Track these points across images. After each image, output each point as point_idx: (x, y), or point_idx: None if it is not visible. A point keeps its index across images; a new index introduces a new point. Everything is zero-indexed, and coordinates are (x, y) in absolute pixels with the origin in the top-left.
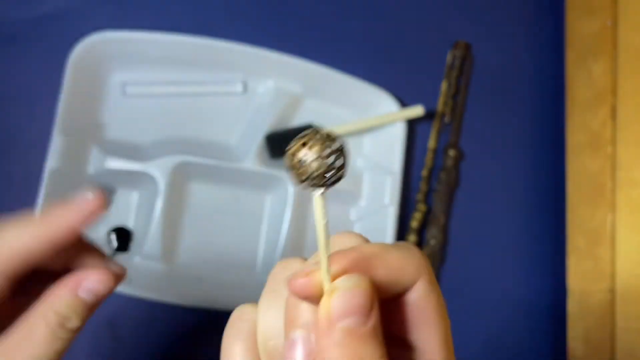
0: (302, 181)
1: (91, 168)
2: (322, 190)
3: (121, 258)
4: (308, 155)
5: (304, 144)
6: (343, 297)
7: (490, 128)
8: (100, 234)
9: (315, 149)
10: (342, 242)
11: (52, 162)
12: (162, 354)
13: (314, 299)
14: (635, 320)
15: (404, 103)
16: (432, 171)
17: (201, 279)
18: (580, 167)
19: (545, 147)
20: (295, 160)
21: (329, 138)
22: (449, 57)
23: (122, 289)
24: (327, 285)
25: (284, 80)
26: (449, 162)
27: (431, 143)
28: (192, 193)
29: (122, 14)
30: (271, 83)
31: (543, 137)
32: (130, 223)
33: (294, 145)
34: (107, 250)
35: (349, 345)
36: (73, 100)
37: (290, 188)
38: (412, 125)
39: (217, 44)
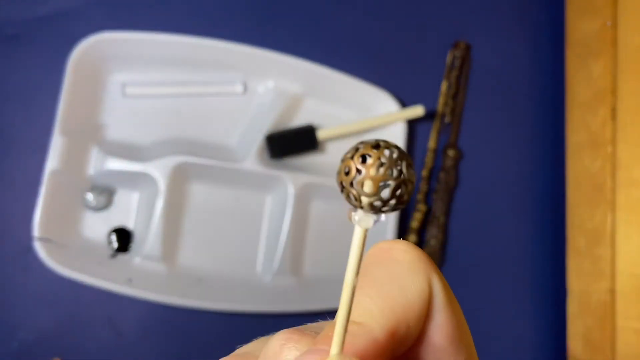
0: (353, 204)
1: (91, 169)
2: (371, 220)
3: (122, 259)
4: (367, 175)
5: (364, 158)
6: None
7: (490, 128)
8: (101, 235)
9: (379, 171)
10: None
11: (52, 162)
12: (162, 355)
13: None
14: (635, 320)
15: (404, 103)
16: (432, 171)
17: (201, 280)
18: (580, 166)
19: (545, 147)
20: (351, 177)
21: (399, 160)
22: (448, 58)
23: (123, 290)
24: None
25: (284, 80)
26: (448, 162)
27: (431, 143)
28: (193, 193)
29: (122, 14)
30: (271, 83)
31: (543, 137)
32: (130, 224)
33: (351, 155)
34: (107, 251)
35: None
36: (73, 101)
37: (290, 188)
38: (413, 125)
39: (217, 44)
